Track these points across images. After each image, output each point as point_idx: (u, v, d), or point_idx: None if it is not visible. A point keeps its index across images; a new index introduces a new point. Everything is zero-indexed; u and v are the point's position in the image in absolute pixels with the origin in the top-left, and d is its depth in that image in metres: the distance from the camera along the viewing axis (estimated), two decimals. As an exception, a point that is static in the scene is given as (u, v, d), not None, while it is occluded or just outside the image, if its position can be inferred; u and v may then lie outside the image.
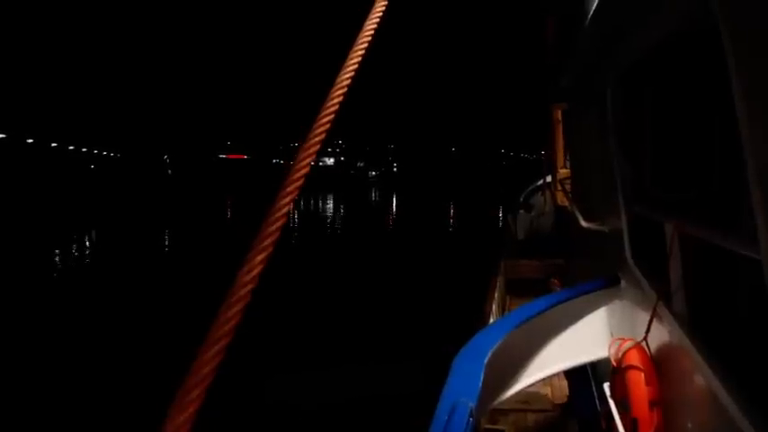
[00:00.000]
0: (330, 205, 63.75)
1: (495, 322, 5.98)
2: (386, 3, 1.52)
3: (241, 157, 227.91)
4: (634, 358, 2.80)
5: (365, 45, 1.45)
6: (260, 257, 1.14)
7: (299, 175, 1.25)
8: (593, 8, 3.27)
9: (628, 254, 3.52)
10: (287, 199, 1.22)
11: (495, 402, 3.62)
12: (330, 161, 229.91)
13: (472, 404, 2.47)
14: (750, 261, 1.56)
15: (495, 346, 3.15)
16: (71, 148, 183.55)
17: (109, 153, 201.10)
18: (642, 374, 2.71)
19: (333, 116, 1.34)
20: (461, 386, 2.65)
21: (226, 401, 8.58)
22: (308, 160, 1.28)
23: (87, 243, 30.94)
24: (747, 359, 1.95)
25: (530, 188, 16.37)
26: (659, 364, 2.74)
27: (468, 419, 2.35)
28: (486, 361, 2.93)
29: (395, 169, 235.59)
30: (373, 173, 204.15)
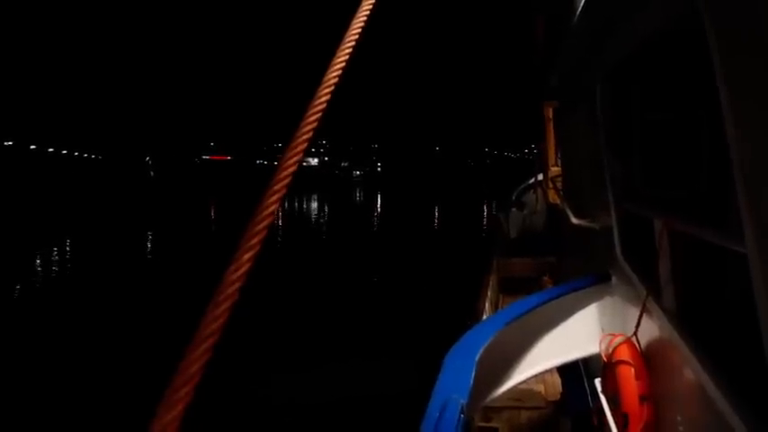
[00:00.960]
0: (315, 205, 63.65)
1: (486, 319, 5.98)
2: (373, 1, 1.51)
3: (224, 158, 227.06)
4: (624, 353, 2.81)
5: (353, 43, 1.44)
6: (247, 256, 1.13)
7: (286, 173, 1.24)
8: (581, 6, 3.28)
9: (618, 250, 3.54)
10: (274, 197, 1.21)
11: (488, 399, 3.62)
12: (314, 161, 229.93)
13: (463, 401, 2.47)
14: (737, 256, 1.57)
15: (486, 344, 3.15)
16: (51, 150, 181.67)
17: (90, 155, 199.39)
18: (632, 369, 2.72)
19: (320, 115, 1.33)
20: (453, 383, 2.65)
21: (214, 400, 8.53)
22: (295, 159, 1.26)
23: (69, 246, 30.55)
24: (735, 353, 1.96)
25: (522, 186, 16.37)
26: (649, 358, 2.75)
27: (460, 416, 2.36)
28: (477, 358, 2.93)
29: (379, 169, 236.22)
30: (357, 172, 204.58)
